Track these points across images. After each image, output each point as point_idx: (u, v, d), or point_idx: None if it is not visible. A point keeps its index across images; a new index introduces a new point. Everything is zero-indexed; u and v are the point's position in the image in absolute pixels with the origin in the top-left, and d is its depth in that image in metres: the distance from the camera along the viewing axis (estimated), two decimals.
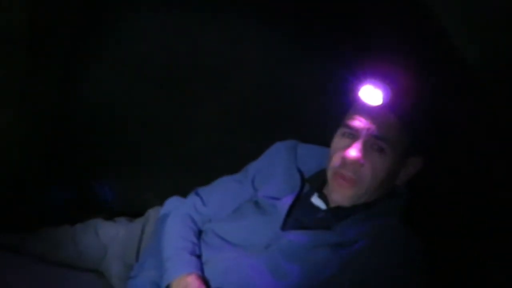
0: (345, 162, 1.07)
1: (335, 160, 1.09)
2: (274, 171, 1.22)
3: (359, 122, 1.07)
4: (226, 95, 1.43)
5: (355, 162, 1.06)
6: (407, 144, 1.07)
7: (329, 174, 1.11)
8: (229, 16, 1.36)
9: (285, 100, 1.41)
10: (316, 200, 1.15)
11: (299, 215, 1.14)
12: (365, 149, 1.06)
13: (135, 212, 1.44)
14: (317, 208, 1.15)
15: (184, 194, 1.30)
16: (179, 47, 1.39)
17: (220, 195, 1.25)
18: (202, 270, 1.10)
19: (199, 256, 1.13)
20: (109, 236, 1.34)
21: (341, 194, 1.10)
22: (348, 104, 1.12)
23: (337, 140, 1.11)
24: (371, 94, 1.04)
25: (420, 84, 1.08)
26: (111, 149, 1.48)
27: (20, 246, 1.27)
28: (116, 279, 1.29)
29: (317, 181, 1.16)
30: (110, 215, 1.43)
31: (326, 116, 1.24)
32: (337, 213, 1.11)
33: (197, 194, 1.27)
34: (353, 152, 1.06)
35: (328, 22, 1.31)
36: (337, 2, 1.29)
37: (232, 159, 1.36)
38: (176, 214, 1.22)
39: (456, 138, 1.20)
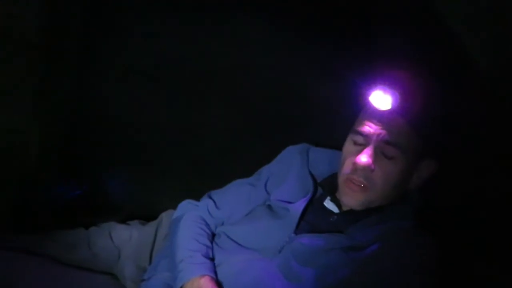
0: (356, 168, 1.07)
1: (346, 166, 1.10)
2: (286, 175, 1.23)
3: (369, 128, 1.07)
4: (237, 98, 1.43)
5: (366, 168, 1.06)
6: (419, 149, 1.07)
7: (341, 179, 1.12)
8: (238, 20, 1.36)
9: (296, 103, 1.41)
10: (328, 204, 1.16)
11: (312, 219, 1.15)
12: (375, 155, 1.06)
13: (148, 215, 1.45)
14: (330, 212, 1.15)
15: (197, 197, 1.31)
16: (189, 51, 1.40)
17: (233, 198, 1.26)
18: (215, 272, 1.10)
19: (212, 259, 1.14)
20: (123, 239, 1.35)
21: (352, 199, 1.10)
22: (358, 108, 1.12)
23: (348, 146, 1.11)
24: (380, 99, 1.04)
25: (430, 89, 1.08)
26: (124, 152, 1.49)
27: (35, 248, 1.27)
28: (130, 282, 1.29)
29: (330, 185, 1.17)
30: (123, 218, 1.44)
31: (337, 119, 1.25)
32: (349, 217, 1.12)
33: (210, 197, 1.28)
34: (364, 158, 1.06)
35: (339, 26, 1.31)
36: (349, 7, 1.29)
37: (244, 162, 1.38)
38: (189, 217, 1.23)
39: (469, 141, 1.19)
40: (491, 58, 1.04)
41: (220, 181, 1.33)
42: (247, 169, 1.33)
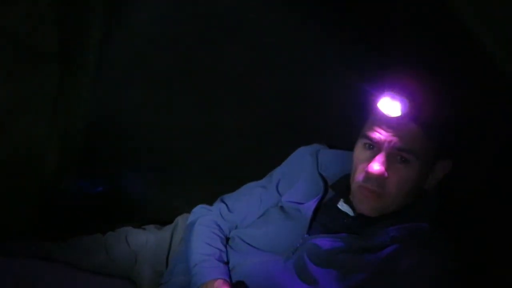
0: (368, 176, 1.05)
1: (359, 174, 1.07)
2: (298, 176, 1.22)
3: (379, 135, 1.04)
4: (251, 102, 1.44)
5: (379, 176, 1.04)
6: (433, 151, 1.04)
7: (354, 186, 1.09)
8: (252, 24, 1.37)
9: (310, 106, 1.41)
10: (343, 206, 1.15)
11: (325, 220, 1.14)
12: (388, 162, 1.03)
13: (164, 219, 1.46)
14: (345, 214, 1.14)
15: (212, 201, 1.32)
16: (204, 56, 1.41)
17: (245, 201, 1.26)
18: (229, 276, 1.11)
19: (226, 263, 1.14)
20: (139, 243, 1.35)
21: (367, 206, 1.08)
22: (367, 112, 1.09)
23: (359, 151, 1.09)
24: (389, 106, 1.01)
25: (439, 91, 1.05)
26: (140, 157, 1.51)
27: (54, 254, 1.30)
28: (147, 286, 1.30)
29: (342, 187, 1.15)
30: (139, 223, 1.45)
31: (350, 120, 1.23)
32: (366, 219, 1.10)
33: (223, 201, 1.28)
34: (376, 166, 1.03)
35: (352, 30, 1.30)
36: (361, 12, 1.27)
37: (259, 165, 1.37)
38: (202, 222, 1.23)
39: (485, 138, 1.16)
40: (505, 56, 1.00)
41: (236, 184, 1.34)
42: (262, 173, 1.33)
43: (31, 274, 1.19)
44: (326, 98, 1.37)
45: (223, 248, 1.17)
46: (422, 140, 1.02)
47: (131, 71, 1.43)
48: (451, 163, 1.08)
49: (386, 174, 1.03)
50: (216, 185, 1.40)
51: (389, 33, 1.24)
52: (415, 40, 1.20)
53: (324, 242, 1.08)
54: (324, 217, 1.14)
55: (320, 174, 1.20)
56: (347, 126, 1.20)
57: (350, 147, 1.13)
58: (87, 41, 1.39)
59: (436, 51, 1.17)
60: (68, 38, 1.37)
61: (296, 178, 1.22)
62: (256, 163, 1.42)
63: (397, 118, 1.01)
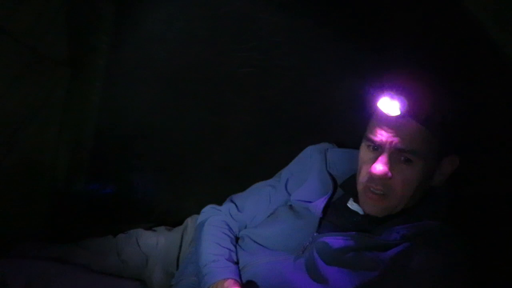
0: (372, 177, 1.04)
1: (363, 175, 1.07)
2: (306, 175, 1.22)
3: (380, 136, 1.03)
4: (258, 103, 1.45)
5: (382, 177, 1.03)
6: (437, 148, 1.03)
7: (359, 188, 1.09)
8: (259, 25, 1.37)
9: (316, 106, 1.41)
10: (353, 205, 1.14)
11: (334, 219, 1.14)
12: (391, 162, 1.03)
13: (174, 220, 1.47)
14: (354, 213, 1.14)
15: (222, 201, 1.32)
16: (212, 57, 1.42)
17: (254, 201, 1.27)
18: (239, 276, 1.11)
19: (236, 262, 1.14)
20: (149, 245, 1.36)
21: (372, 207, 1.08)
22: (368, 115, 1.09)
23: (363, 152, 1.09)
24: (389, 105, 1.01)
25: (438, 87, 1.04)
26: (149, 159, 1.51)
27: (67, 256, 1.30)
28: (158, 287, 1.30)
29: (351, 187, 1.15)
30: (150, 224, 1.46)
31: (358, 120, 1.23)
32: (376, 218, 1.10)
33: (232, 201, 1.29)
34: (379, 167, 1.03)
35: (357, 30, 1.30)
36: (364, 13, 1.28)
37: (268, 165, 1.37)
38: (212, 222, 1.24)
39: (491, 132, 1.15)
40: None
41: (245, 184, 1.34)
42: (271, 172, 1.34)
43: (44, 276, 1.20)
44: (334, 98, 1.37)
45: (233, 248, 1.17)
46: (424, 138, 1.01)
47: (141, 75, 1.44)
48: (458, 159, 1.07)
49: (389, 175, 1.03)
50: (225, 185, 1.40)
51: (389, 32, 1.24)
52: (415, 39, 1.19)
53: (333, 240, 1.08)
54: (333, 216, 1.14)
55: (329, 173, 1.20)
56: (355, 125, 1.20)
57: (359, 146, 1.12)
58: (97, 46, 1.40)
59: (434, 49, 1.17)
60: (78, 43, 1.39)
61: (305, 177, 1.22)
62: (265, 163, 1.43)
63: (396, 118, 1.01)
